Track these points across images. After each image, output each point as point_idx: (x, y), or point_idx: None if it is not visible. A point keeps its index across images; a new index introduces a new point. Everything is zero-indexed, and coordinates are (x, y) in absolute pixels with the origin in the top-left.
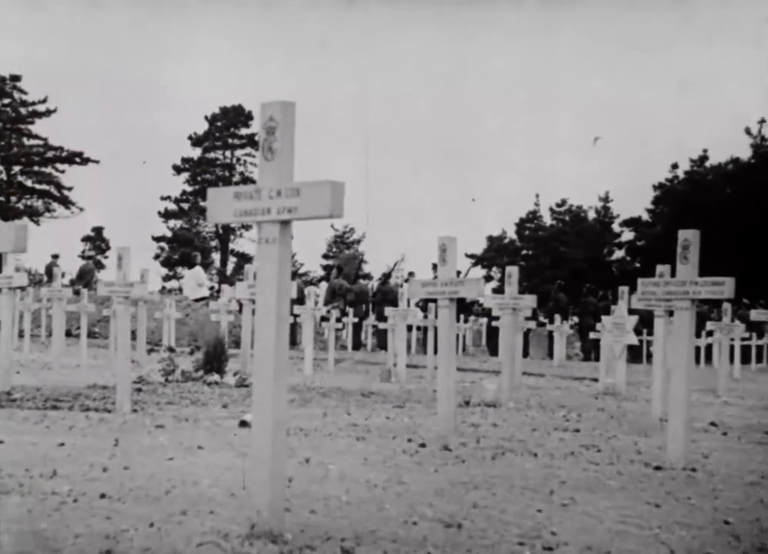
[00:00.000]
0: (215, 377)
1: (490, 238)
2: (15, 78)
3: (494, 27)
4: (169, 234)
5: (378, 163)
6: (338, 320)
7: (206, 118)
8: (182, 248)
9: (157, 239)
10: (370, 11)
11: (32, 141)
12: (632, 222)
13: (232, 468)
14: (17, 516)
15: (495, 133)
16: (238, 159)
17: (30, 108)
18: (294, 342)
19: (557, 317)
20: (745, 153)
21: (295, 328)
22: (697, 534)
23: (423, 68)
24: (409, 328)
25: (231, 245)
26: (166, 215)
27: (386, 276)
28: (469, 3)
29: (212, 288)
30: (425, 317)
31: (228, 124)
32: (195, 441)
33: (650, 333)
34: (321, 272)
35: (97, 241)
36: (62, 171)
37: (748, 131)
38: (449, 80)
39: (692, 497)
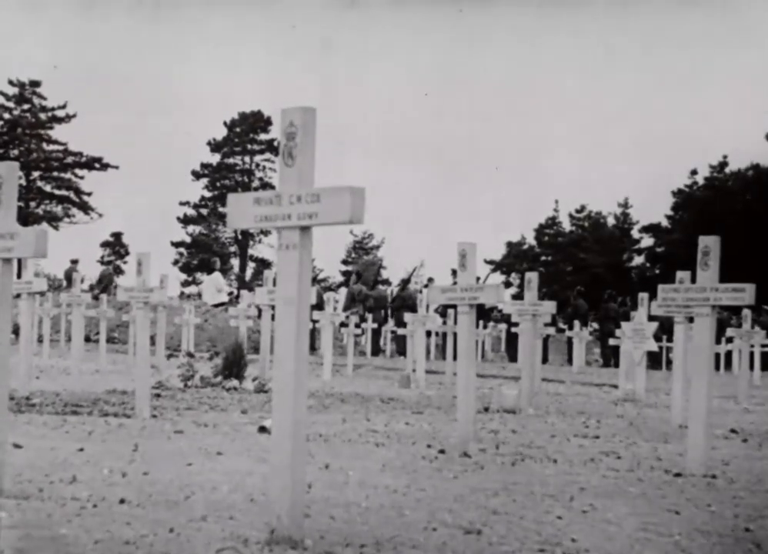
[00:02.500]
0: (234, 382)
1: (509, 244)
2: (35, 83)
3: (508, 29)
4: (188, 239)
5: (398, 169)
6: (358, 326)
7: (225, 123)
8: (201, 254)
9: (176, 245)
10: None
11: (52, 147)
12: (651, 229)
13: (252, 473)
14: (37, 521)
15: (515, 138)
16: (258, 165)
17: (50, 114)
18: (313, 347)
19: (576, 323)
20: (765, 159)
21: (314, 334)
22: (718, 541)
23: (441, 73)
24: (428, 333)
25: (250, 251)
26: (185, 221)
27: (405, 282)
28: (487, 4)
29: (231, 293)
30: (444, 323)
31: (248, 129)
32: (215, 446)
33: (670, 339)
34: (340, 278)
35: (116, 246)
36: (82, 177)
37: None
38: (468, 84)
39: (713, 504)
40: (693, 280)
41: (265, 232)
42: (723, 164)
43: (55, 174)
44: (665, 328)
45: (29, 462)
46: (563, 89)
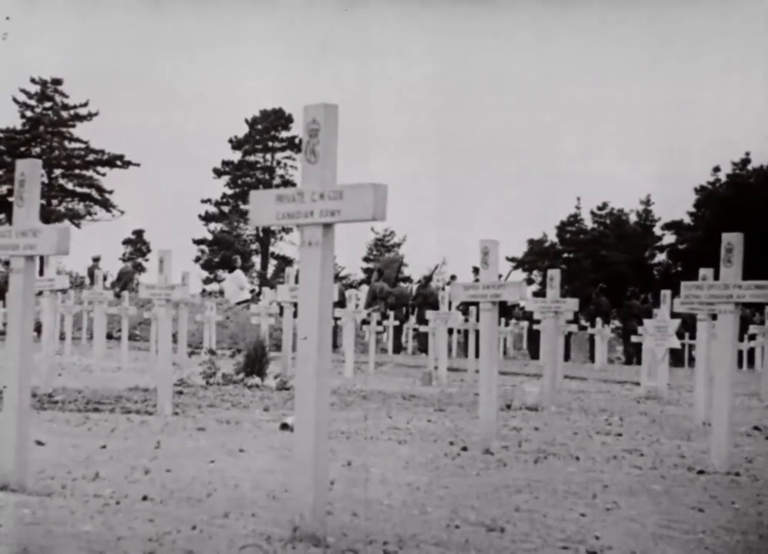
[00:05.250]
0: (256, 380)
1: (531, 242)
2: (57, 81)
3: (527, 26)
4: (210, 237)
5: (420, 166)
6: (379, 323)
7: (246, 121)
8: (223, 251)
9: (197, 242)
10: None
11: (74, 145)
12: (673, 226)
13: (274, 471)
14: (60, 518)
15: (537, 136)
16: (279, 162)
17: (72, 112)
18: (335, 345)
19: (598, 320)
20: None
21: (336, 332)
22: (741, 539)
23: (463, 70)
24: (450, 331)
25: (271, 248)
26: (207, 218)
27: (427, 279)
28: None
29: (252, 291)
30: (466, 320)
31: (269, 127)
32: (237, 444)
33: (692, 337)
34: (361, 275)
35: (138, 243)
36: (103, 174)
37: None
38: (490, 82)
39: (736, 501)
40: (716, 277)
41: (287, 230)
42: (746, 161)
43: (77, 171)
44: (687, 325)
45: (52, 459)
46: (585, 87)
